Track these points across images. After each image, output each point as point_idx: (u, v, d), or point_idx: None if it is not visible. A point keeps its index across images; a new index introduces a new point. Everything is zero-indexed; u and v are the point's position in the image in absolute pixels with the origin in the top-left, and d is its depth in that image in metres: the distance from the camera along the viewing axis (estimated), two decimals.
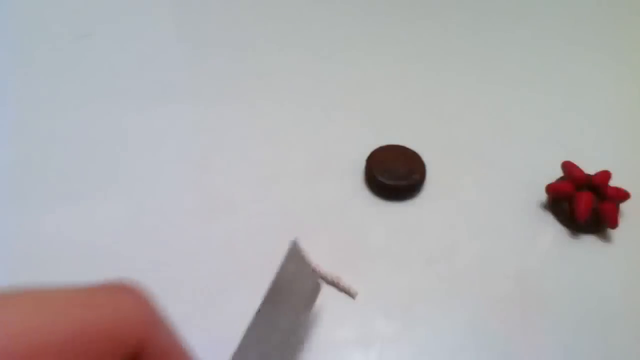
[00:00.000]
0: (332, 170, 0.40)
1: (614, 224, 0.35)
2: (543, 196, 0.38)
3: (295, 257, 0.27)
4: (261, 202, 0.37)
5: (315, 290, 0.28)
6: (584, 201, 0.35)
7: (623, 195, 0.36)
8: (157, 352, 0.17)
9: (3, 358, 0.14)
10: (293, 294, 0.27)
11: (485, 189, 0.39)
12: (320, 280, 0.31)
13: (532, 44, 0.54)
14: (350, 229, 0.35)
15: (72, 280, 0.32)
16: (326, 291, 0.32)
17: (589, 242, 0.36)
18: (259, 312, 0.25)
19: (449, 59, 0.51)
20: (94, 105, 0.44)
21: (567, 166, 0.38)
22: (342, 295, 0.32)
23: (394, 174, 0.37)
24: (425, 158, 0.39)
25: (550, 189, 0.37)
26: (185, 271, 0.33)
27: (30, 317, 0.14)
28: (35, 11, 0.55)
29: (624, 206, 0.37)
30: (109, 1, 0.56)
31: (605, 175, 0.37)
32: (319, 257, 0.33)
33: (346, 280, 0.32)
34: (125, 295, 0.17)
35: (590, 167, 0.38)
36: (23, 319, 0.14)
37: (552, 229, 0.37)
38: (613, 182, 0.37)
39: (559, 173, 0.39)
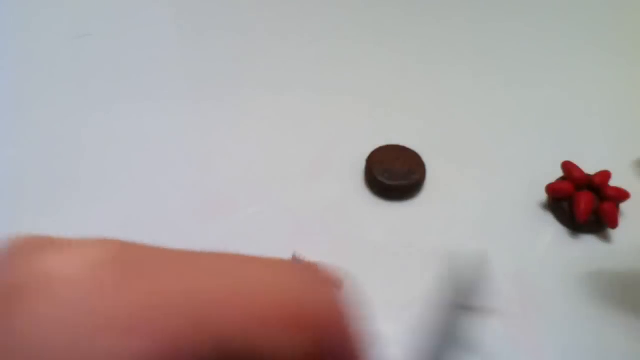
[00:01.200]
0: (332, 170, 0.39)
1: (614, 224, 0.35)
2: (543, 196, 0.38)
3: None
4: (261, 203, 0.37)
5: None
6: (584, 201, 0.35)
7: (623, 195, 0.36)
8: (335, 337, 0.17)
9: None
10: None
11: (485, 189, 0.39)
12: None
13: (532, 43, 0.54)
14: (350, 229, 0.35)
15: None
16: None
17: (589, 242, 0.36)
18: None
19: (449, 59, 0.51)
20: (93, 106, 0.44)
21: (567, 166, 0.38)
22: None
23: (394, 174, 0.37)
24: (425, 158, 0.39)
25: (550, 189, 0.37)
26: None
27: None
28: (35, 11, 0.55)
29: (624, 206, 0.37)
30: (109, 1, 0.56)
31: (605, 175, 0.37)
32: (319, 257, 0.33)
33: (345, 281, 0.32)
34: (310, 276, 0.17)
35: (590, 167, 0.38)
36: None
37: (552, 229, 0.37)
38: (613, 182, 0.37)
39: (559, 173, 0.39)
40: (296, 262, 0.27)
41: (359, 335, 0.17)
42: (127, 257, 0.15)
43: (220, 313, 0.13)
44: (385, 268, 0.33)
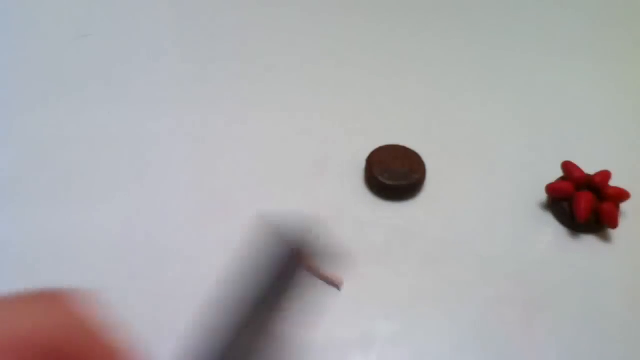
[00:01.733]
0: (332, 170, 0.40)
1: (614, 224, 0.35)
2: (543, 196, 0.38)
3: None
4: (261, 203, 0.37)
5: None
6: (584, 201, 0.35)
7: (623, 195, 0.36)
8: (74, 351, 0.17)
9: None
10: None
11: (485, 189, 0.39)
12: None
13: (531, 43, 0.54)
14: (350, 229, 0.35)
15: (70, 281, 0.32)
16: (325, 291, 0.32)
17: (589, 242, 0.36)
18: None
19: (449, 59, 0.51)
20: (93, 106, 0.44)
21: (567, 166, 0.38)
22: (342, 295, 0.32)
23: (394, 174, 0.37)
24: (425, 158, 0.39)
25: (550, 189, 0.37)
26: (185, 273, 0.33)
27: None
28: (35, 11, 0.55)
29: (624, 206, 0.37)
30: (109, 1, 0.56)
31: (605, 175, 0.37)
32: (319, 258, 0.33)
33: (346, 281, 0.32)
34: (42, 303, 0.17)
35: (590, 167, 0.38)
36: None
37: (552, 229, 0.37)
38: (613, 182, 0.37)
39: (559, 173, 0.39)
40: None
41: (110, 350, 0.18)
42: None
43: None
44: (385, 268, 0.33)
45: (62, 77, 0.47)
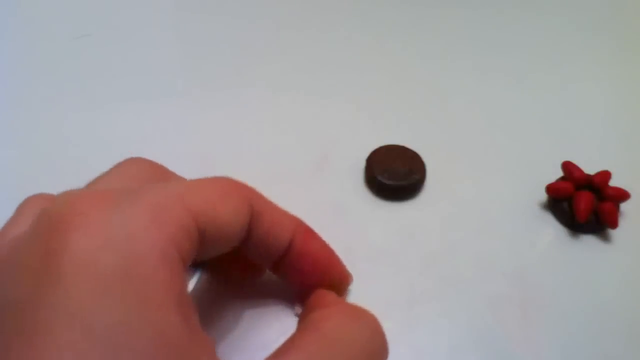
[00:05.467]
0: (332, 170, 0.40)
1: (614, 224, 0.35)
2: (543, 196, 0.38)
3: None
4: None
5: None
6: (584, 201, 0.35)
7: (623, 195, 0.36)
8: (263, 205, 0.25)
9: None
10: None
11: (485, 189, 0.39)
12: None
13: (532, 43, 0.54)
14: (350, 229, 0.35)
15: None
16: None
17: (589, 242, 0.36)
18: None
19: (450, 58, 0.51)
20: (93, 106, 0.44)
21: (567, 166, 0.38)
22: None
23: (394, 174, 0.37)
24: (425, 158, 0.39)
25: (550, 189, 0.37)
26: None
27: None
28: (34, 11, 0.55)
29: (624, 206, 0.37)
30: (109, 1, 0.56)
31: (605, 175, 0.37)
32: None
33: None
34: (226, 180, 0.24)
35: (590, 167, 0.38)
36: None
37: (552, 229, 0.37)
38: (613, 182, 0.37)
39: (559, 173, 0.39)
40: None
41: None
42: None
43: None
44: (385, 268, 0.33)
45: (62, 77, 0.47)
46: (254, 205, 0.23)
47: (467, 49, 0.52)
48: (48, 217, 0.19)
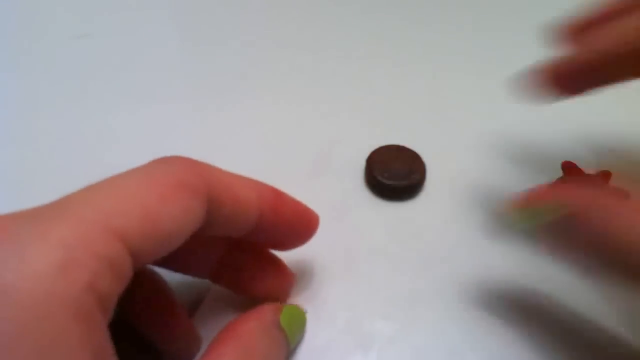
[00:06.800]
0: (332, 170, 0.40)
1: None
2: None
3: None
4: None
5: None
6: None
7: (623, 196, 0.36)
8: (222, 187, 0.22)
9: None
10: None
11: (486, 189, 0.39)
12: None
13: (533, 43, 0.54)
14: (350, 229, 0.35)
15: None
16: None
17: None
18: None
19: (450, 58, 0.51)
20: (93, 106, 0.44)
21: (567, 166, 0.38)
22: (342, 295, 0.32)
23: (394, 174, 0.37)
24: (425, 158, 0.39)
25: None
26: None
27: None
28: (34, 11, 0.55)
29: None
30: (109, 1, 0.56)
31: (605, 175, 0.37)
32: (318, 258, 0.33)
33: (346, 280, 0.32)
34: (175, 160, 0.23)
35: (590, 167, 0.38)
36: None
37: None
38: (613, 182, 0.37)
39: (559, 173, 0.39)
40: None
41: None
42: None
43: None
44: (385, 268, 0.33)
45: (62, 77, 0.47)
46: (211, 189, 0.21)
47: (468, 50, 0.52)
48: None
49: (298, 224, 0.26)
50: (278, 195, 0.26)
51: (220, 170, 0.24)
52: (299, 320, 0.28)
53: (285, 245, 0.27)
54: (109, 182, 0.20)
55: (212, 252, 0.27)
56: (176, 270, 0.27)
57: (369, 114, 0.44)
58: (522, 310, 0.32)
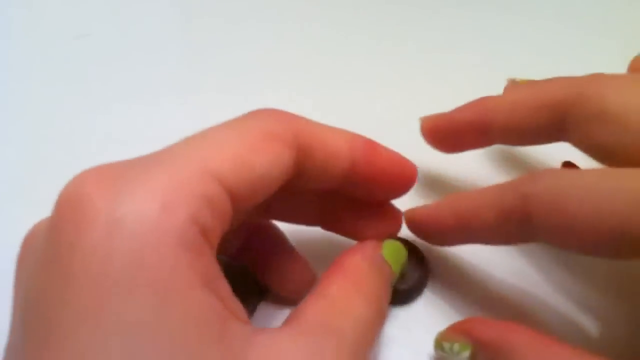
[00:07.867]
0: None
1: None
2: None
3: None
4: None
5: None
6: None
7: None
8: (311, 136, 0.23)
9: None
10: None
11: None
12: None
13: (535, 41, 0.54)
14: None
15: None
16: None
17: None
18: None
19: (450, 58, 0.51)
20: (93, 106, 0.44)
21: (567, 166, 0.38)
22: None
23: None
24: (425, 158, 0.39)
25: None
26: None
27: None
28: (34, 11, 0.55)
29: None
30: (109, 1, 0.56)
31: None
32: (318, 258, 0.33)
33: None
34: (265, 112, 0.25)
35: (590, 167, 0.38)
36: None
37: None
38: None
39: None
40: None
41: None
42: None
43: None
44: None
45: (62, 77, 0.47)
46: (300, 139, 0.22)
47: (468, 50, 0.52)
48: (59, 206, 0.19)
49: (393, 175, 0.26)
50: (371, 144, 0.26)
51: (309, 121, 0.24)
52: (400, 254, 0.29)
53: (381, 198, 0.27)
54: (203, 134, 0.22)
55: (314, 202, 0.28)
56: (289, 221, 0.29)
57: (368, 115, 0.44)
58: (520, 308, 0.32)
